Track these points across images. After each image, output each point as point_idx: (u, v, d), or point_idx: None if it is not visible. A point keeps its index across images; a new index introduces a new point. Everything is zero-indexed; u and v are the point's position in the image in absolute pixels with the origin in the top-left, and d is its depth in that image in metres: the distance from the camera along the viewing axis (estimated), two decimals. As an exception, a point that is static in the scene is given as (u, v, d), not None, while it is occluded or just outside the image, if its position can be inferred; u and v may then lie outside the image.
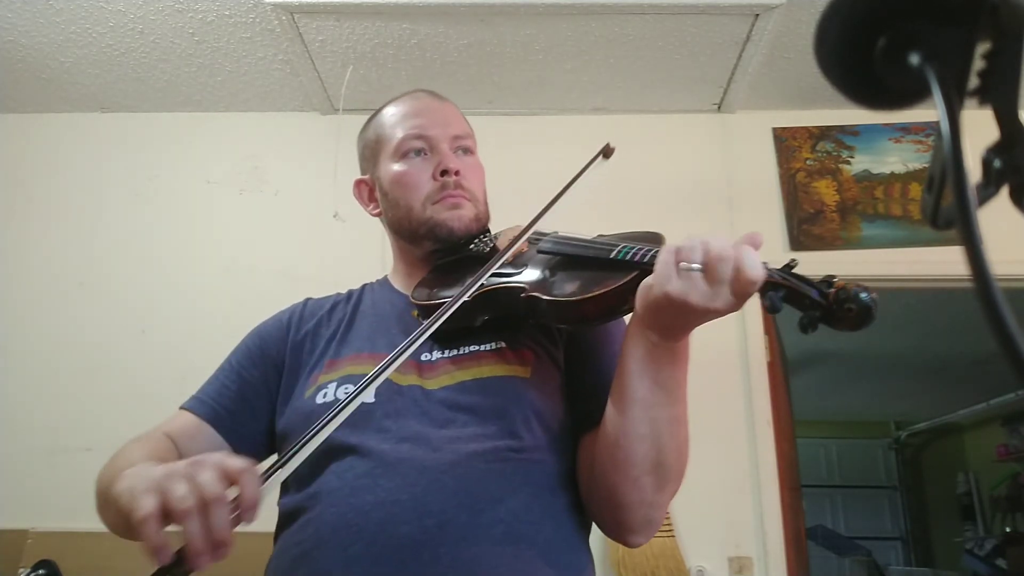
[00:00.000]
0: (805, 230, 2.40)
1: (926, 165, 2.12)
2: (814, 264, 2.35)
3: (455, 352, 0.94)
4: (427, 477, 0.80)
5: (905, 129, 2.50)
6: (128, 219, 2.47)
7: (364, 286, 1.13)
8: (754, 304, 2.46)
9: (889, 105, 0.41)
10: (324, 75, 2.36)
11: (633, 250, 0.80)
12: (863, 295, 0.65)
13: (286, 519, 0.88)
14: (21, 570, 1.93)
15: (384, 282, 1.12)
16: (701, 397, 2.33)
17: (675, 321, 0.75)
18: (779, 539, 2.11)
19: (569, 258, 0.89)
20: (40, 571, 1.82)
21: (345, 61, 2.29)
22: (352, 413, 0.76)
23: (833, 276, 0.68)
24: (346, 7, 2.06)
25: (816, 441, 6.64)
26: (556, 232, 0.97)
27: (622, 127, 2.55)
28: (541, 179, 2.31)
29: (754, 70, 2.32)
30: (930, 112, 0.34)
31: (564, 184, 0.98)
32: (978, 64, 0.35)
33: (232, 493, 0.62)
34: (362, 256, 2.41)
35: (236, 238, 2.44)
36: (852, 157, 2.49)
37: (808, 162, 2.49)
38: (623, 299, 0.80)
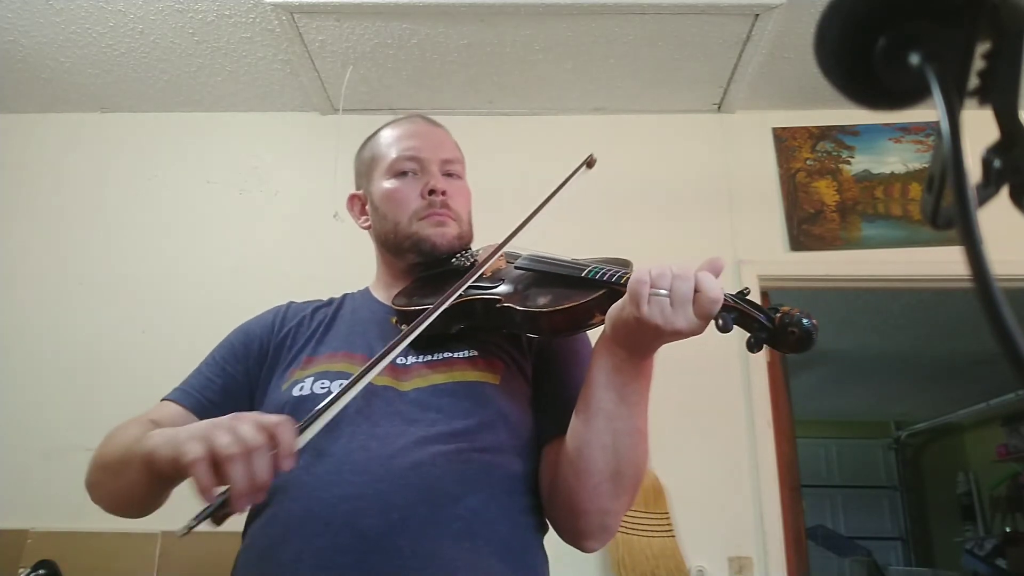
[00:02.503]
0: (805, 230, 2.40)
1: (926, 165, 2.12)
2: (814, 264, 2.37)
3: (429, 357, 0.99)
4: (392, 473, 0.85)
5: (905, 129, 2.50)
6: (128, 219, 2.47)
7: (345, 295, 1.18)
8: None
9: (889, 105, 0.41)
10: (324, 75, 2.36)
11: (602, 271, 0.88)
12: (805, 321, 0.73)
13: (254, 513, 0.91)
14: (21, 570, 1.93)
15: (365, 292, 1.17)
16: (701, 397, 2.34)
17: (642, 340, 0.81)
18: (779, 539, 2.11)
19: (543, 274, 0.96)
20: (40, 571, 1.82)
21: (345, 61, 2.29)
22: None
23: (781, 304, 0.76)
24: (346, 7, 2.06)
25: (816, 441, 6.63)
26: (532, 251, 1.05)
27: (622, 127, 2.55)
28: (540, 179, 2.32)
29: (754, 70, 2.32)
30: (930, 112, 0.34)
31: (547, 194, 1.07)
32: (978, 64, 0.35)
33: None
34: (362, 256, 2.40)
35: (236, 238, 2.44)
36: (852, 157, 2.49)
37: (808, 162, 2.49)
38: (591, 313, 0.87)
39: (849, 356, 4.94)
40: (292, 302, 1.17)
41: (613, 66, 2.33)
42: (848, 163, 2.48)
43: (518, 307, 0.91)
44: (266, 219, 2.47)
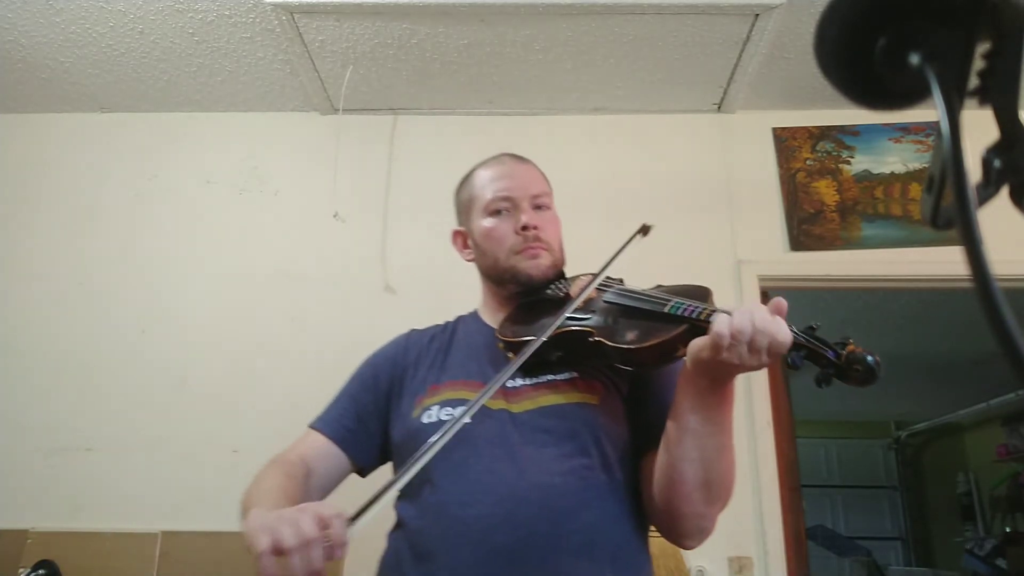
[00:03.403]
0: (805, 230, 2.40)
1: (926, 165, 2.12)
2: (814, 264, 2.37)
3: (535, 380, 1.11)
4: (517, 494, 0.99)
5: (905, 129, 2.50)
6: (128, 219, 2.47)
7: (458, 318, 1.32)
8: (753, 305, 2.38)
9: (889, 105, 0.41)
10: (324, 75, 2.36)
11: (683, 306, 0.96)
12: (869, 358, 0.81)
13: (400, 522, 1.08)
14: (21, 570, 1.93)
15: (474, 315, 1.31)
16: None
17: (721, 374, 0.92)
18: (779, 539, 2.10)
19: (630, 309, 1.06)
20: (40, 571, 1.82)
21: (345, 61, 2.29)
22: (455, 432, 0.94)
23: (848, 338, 0.85)
24: (346, 7, 2.06)
25: (816, 441, 6.63)
26: (621, 281, 1.18)
27: (622, 127, 2.55)
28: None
29: (754, 70, 2.32)
30: (930, 112, 0.34)
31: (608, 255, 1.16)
32: (978, 64, 0.35)
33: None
34: (361, 256, 2.41)
35: (236, 238, 2.44)
36: (852, 157, 2.49)
37: (808, 162, 2.49)
38: (674, 348, 0.95)
39: (849, 356, 4.92)
40: (413, 330, 1.30)
41: (613, 66, 2.33)
42: (848, 163, 2.48)
43: (607, 342, 1.00)
44: (266, 219, 2.47)
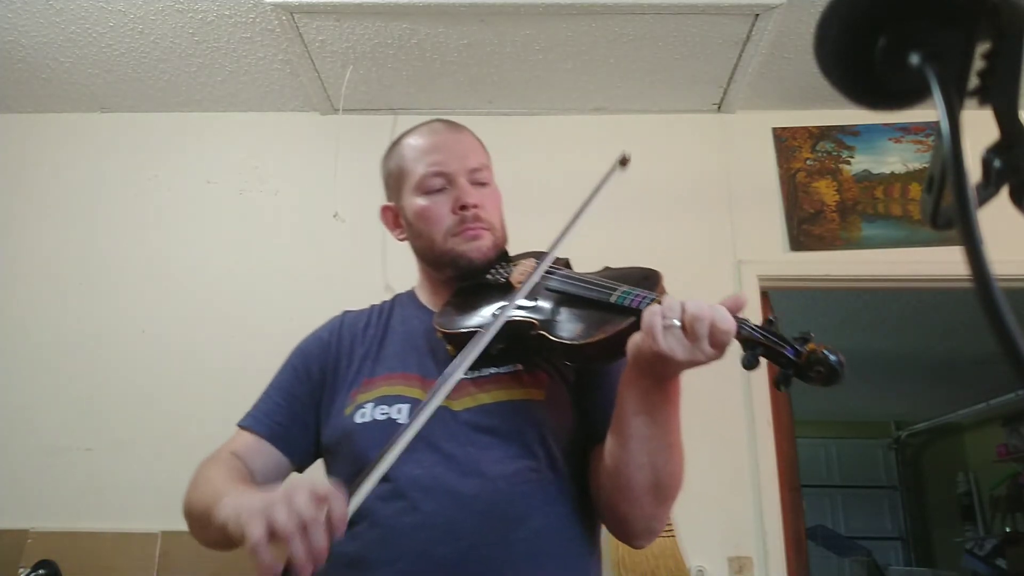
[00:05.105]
0: (805, 230, 2.40)
1: (926, 165, 2.12)
2: (814, 264, 2.38)
3: (476, 374, 1.01)
4: (459, 502, 0.91)
5: (905, 129, 2.50)
6: (128, 219, 2.47)
7: (395, 298, 1.21)
8: (753, 305, 2.44)
9: (889, 105, 0.41)
10: (324, 75, 2.36)
11: (631, 296, 0.87)
12: (832, 358, 0.74)
13: None
14: (21, 570, 1.93)
15: (412, 296, 1.20)
16: (701, 397, 2.32)
17: (664, 371, 0.84)
18: (779, 539, 2.10)
19: (574, 298, 0.95)
20: (40, 571, 1.82)
21: (345, 61, 2.29)
22: (385, 433, 0.86)
23: (809, 334, 0.77)
24: (346, 7, 2.05)
25: (816, 441, 6.64)
26: (568, 263, 1.08)
27: (622, 127, 2.55)
28: (541, 179, 2.32)
29: (754, 70, 2.32)
30: (930, 112, 0.34)
31: (582, 201, 1.09)
32: (978, 64, 0.35)
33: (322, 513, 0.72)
34: (362, 256, 2.41)
35: (236, 238, 2.44)
36: (852, 157, 2.49)
37: (808, 162, 2.49)
38: (622, 343, 0.85)
39: (849, 356, 4.88)
40: (347, 312, 1.19)
41: (613, 66, 2.33)
42: (848, 163, 2.48)
43: (550, 336, 0.91)
44: (266, 219, 2.47)
